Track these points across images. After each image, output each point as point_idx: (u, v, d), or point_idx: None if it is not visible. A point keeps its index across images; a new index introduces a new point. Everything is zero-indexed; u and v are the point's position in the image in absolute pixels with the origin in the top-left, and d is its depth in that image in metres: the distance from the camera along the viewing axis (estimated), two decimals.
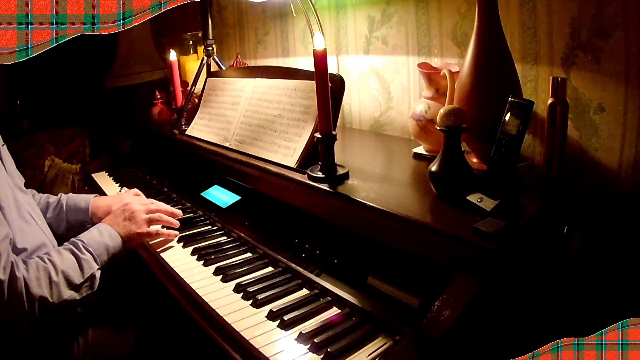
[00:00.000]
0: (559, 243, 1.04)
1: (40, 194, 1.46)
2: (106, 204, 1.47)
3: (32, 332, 1.01)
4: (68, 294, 1.04)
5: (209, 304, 1.00)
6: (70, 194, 1.50)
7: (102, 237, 1.17)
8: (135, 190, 1.56)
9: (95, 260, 1.11)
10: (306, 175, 1.17)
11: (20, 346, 1.05)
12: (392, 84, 1.63)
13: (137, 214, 1.26)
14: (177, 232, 1.31)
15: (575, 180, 1.17)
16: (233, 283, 1.07)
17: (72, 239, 1.15)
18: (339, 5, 1.75)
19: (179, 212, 1.38)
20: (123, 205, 1.30)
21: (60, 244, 1.25)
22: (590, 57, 1.10)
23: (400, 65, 1.58)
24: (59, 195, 1.48)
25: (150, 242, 1.29)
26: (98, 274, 1.12)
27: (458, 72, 1.15)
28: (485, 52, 1.05)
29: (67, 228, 1.43)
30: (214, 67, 1.97)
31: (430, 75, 1.27)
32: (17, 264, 0.98)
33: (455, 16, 1.37)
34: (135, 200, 1.35)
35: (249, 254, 1.21)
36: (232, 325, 0.92)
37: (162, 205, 1.37)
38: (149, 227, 1.27)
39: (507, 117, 0.96)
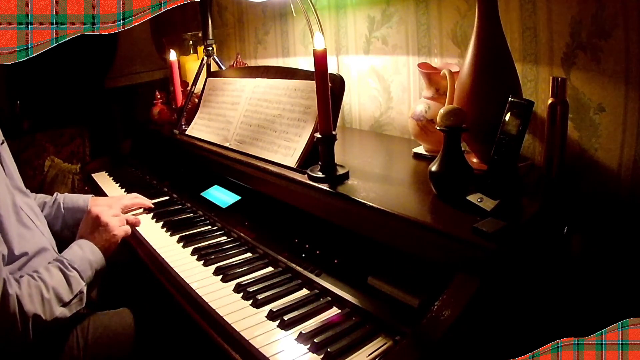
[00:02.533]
0: (559, 243, 1.04)
1: (35, 194, 1.45)
2: (105, 202, 1.47)
3: (25, 350, 0.99)
4: (59, 311, 1.03)
5: (209, 304, 1.00)
6: (66, 193, 1.51)
7: (84, 253, 1.16)
8: (135, 194, 1.57)
9: (81, 276, 1.10)
10: (306, 175, 1.17)
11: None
12: (392, 84, 1.63)
13: (108, 220, 1.26)
14: (139, 219, 1.39)
15: (575, 180, 1.17)
16: (233, 283, 1.07)
17: (56, 257, 1.14)
18: (339, 5, 1.75)
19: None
20: (93, 215, 1.28)
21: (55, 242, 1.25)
22: (590, 57, 1.10)
23: (400, 65, 1.58)
24: (55, 194, 1.48)
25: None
26: (85, 289, 1.11)
27: (458, 72, 1.15)
28: (485, 52, 1.05)
29: (62, 227, 1.43)
30: (214, 67, 1.97)
31: (430, 75, 1.27)
32: (9, 281, 0.96)
33: (455, 16, 1.37)
34: (105, 210, 1.31)
35: (249, 254, 1.21)
36: (232, 325, 0.92)
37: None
38: (120, 226, 1.29)
39: (507, 117, 0.96)
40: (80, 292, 1.09)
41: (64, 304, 1.04)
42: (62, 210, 1.43)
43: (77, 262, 1.12)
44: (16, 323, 0.94)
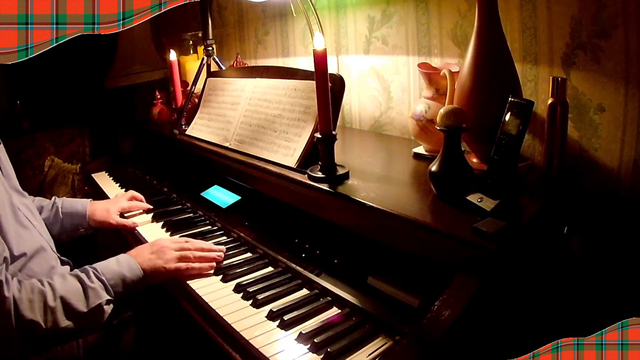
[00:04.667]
0: (559, 243, 1.04)
1: (33, 197, 1.45)
2: (103, 207, 1.47)
3: (25, 356, 0.96)
4: (66, 323, 0.96)
5: (209, 304, 1.00)
6: (65, 197, 1.50)
7: (119, 267, 1.08)
8: (132, 192, 1.57)
9: (106, 289, 1.03)
10: (306, 175, 1.17)
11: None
12: (392, 84, 1.63)
13: (166, 249, 1.15)
14: (212, 264, 1.14)
15: (575, 180, 1.17)
16: (233, 283, 1.07)
17: (84, 267, 1.07)
18: (339, 5, 1.75)
19: (221, 249, 1.19)
20: (153, 241, 1.20)
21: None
22: (590, 57, 1.10)
23: (400, 65, 1.58)
24: (53, 198, 1.48)
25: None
26: (108, 307, 1.02)
27: (458, 72, 1.15)
28: (485, 52, 1.05)
29: (60, 231, 1.42)
30: (214, 67, 1.97)
31: (430, 75, 1.27)
32: (8, 283, 0.92)
33: (455, 16, 1.37)
34: (167, 238, 1.24)
35: (249, 254, 1.21)
36: (232, 325, 0.92)
37: (198, 243, 1.20)
38: (177, 262, 1.13)
39: (507, 117, 0.96)
40: (99, 307, 1.00)
41: (73, 316, 0.97)
42: (61, 215, 1.43)
43: (107, 275, 1.05)
44: (11, 327, 0.90)
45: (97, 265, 1.08)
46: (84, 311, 0.98)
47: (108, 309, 1.03)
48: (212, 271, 1.14)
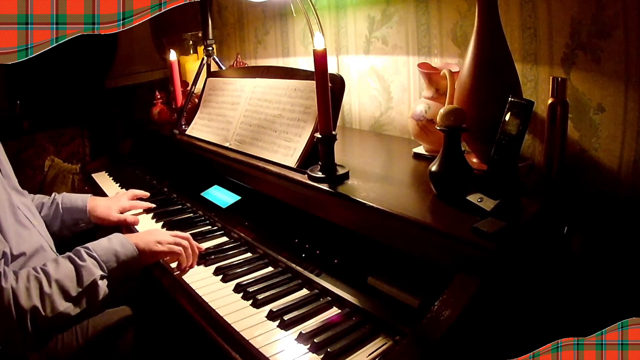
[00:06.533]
0: (559, 243, 1.04)
1: (33, 195, 1.46)
2: (105, 203, 1.47)
3: (27, 348, 0.97)
4: (64, 306, 0.98)
5: (209, 304, 1.00)
6: (65, 193, 1.50)
7: (110, 244, 1.10)
8: (133, 191, 1.57)
9: (99, 266, 1.04)
10: (306, 175, 1.17)
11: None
12: (392, 84, 1.63)
13: (161, 232, 1.20)
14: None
15: (575, 180, 1.17)
16: (233, 283, 1.07)
17: (76, 247, 1.09)
18: (339, 5, 1.75)
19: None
20: (150, 229, 1.23)
21: (54, 242, 1.25)
22: (590, 57, 1.10)
23: (400, 65, 1.58)
24: (53, 194, 1.48)
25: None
26: (102, 283, 1.04)
27: (458, 72, 1.15)
28: (485, 52, 1.05)
29: (61, 227, 1.42)
30: (214, 67, 1.97)
31: (430, 75, 1.27)
32: (5, 274, 0.94)
33: (455, 16, 1.37)
34: (163, 230, 1.26)
35: (249, 254, 1.21)
36: (232, 325, 0.92)
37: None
38: (170, 243, 1.17)
39: (507, 117, 0.96)
40: (93, 283, 1.01)
41: (70, 299, 0.99)
42: (61, 210, 1.43)
43: (98, 251, 1.06)
44: (11, 317, 0.92)
45: (89, 244, 1.10)
46: (80, 291, 1.00)
47: (103, 284, 1.04)
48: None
